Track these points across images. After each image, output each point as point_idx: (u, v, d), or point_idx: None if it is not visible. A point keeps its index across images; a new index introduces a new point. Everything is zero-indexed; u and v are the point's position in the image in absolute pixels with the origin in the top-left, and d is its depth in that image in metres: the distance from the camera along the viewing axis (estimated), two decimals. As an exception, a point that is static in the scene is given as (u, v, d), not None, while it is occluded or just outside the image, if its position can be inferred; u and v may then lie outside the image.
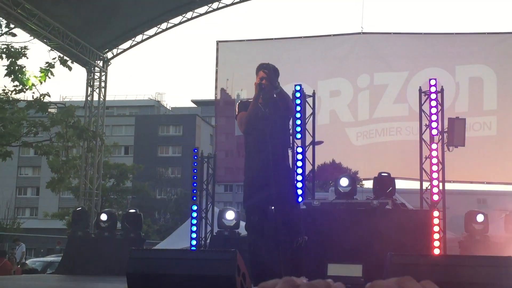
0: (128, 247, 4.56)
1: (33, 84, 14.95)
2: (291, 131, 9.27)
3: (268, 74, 5.55)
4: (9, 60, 14.66)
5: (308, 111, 12.00)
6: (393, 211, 10.52)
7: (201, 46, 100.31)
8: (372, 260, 8.39)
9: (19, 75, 14.69)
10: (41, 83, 15.18)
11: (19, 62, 14.84)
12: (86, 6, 15.31)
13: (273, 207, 5.31)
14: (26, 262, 19.78)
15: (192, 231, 13.60)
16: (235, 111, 5.67)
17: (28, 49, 15.04)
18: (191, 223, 13.70)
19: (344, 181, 11.19)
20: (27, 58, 15.08)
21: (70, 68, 15.46)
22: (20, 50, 14.99)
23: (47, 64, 15.12)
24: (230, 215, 12.65)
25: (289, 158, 5.71)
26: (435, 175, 10.61)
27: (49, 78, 15.26)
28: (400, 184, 13.64)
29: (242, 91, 16.15)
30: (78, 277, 11.16)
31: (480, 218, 10.89)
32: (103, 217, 13.27)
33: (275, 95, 5.50)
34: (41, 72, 15.00)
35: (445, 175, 10.99)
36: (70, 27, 15.65)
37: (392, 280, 2.72)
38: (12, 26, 14.70)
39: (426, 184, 11.21)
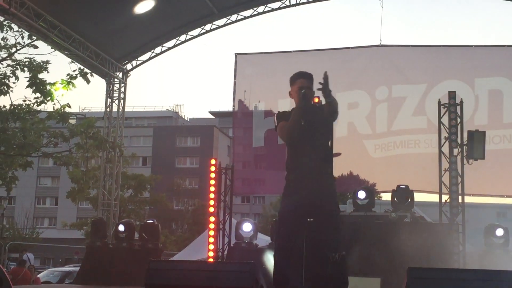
0: (146, 258, 4.56)
1: (54, 96, 15.05)
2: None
3: (310, 84, 5.42)
4: (31, 74, 14.79)
5: (326, 123, 11.95)
6: (412, 224, 10.46)
7: (219, 58, 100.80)
8: (391, 273, 8.33)
9: (41, 87, 14.80)
10: (63, 95, 15.31)
11: (40, 75, 14.98)
12: (106, 18, 15.45)
13: (311, 219, 5.22)
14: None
15: (209, 242, 13.58)
16: (274, 122, 5.55)
17: (50, 63, 15.18)
18: (209, 234, 13.68)
19: (361, 194, 11.17)
20: (48, 72, 15.22)
21: (88, 81, 15.54)
22: (42, 64, 15.14)
23: (68, 76, 15.26)
24: (247, 227, 12.63)
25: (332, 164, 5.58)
26: (454, 188, 10.55)
27: (70, 90, 15.38)
28: (419, 197, 13.56)
29: (260, 103, 16.18)
30: (96, 288, 11.18)
31: (499, 232, 10.77)
32: (121, 227, 13.31)
33: (326, 102, 5.34)
34: (62, 83, 15.12)
35: (465, 188, 10.90)
36: (91, 39, 15.79)
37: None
38: (34, 38, 14.86)
39: (445, 197, 11.12)
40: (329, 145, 5.47)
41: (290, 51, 16.49)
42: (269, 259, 10.42)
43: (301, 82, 5.43)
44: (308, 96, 5.30)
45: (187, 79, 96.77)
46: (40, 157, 17.62)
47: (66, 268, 21.83)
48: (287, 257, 5.08)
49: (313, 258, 4.88)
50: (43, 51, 16.62)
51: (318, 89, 5.25)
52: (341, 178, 17.21)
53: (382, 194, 19.93)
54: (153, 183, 40.64)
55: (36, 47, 15.02)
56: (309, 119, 5.28)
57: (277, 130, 5.47)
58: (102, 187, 17.29)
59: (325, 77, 5.22)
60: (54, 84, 14.99)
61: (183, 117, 67.06)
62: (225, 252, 13.77)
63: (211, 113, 68.74)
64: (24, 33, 14.61)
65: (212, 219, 13.74)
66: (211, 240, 13.55)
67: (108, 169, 17.38)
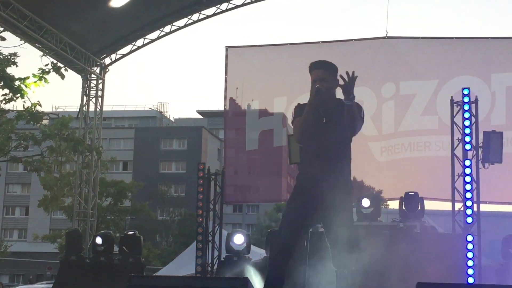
0: (127, 274, 4.54)
1: (25, 93, 15.00)
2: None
3: (327, 76, 5.30)
4: (-3, 68, 14.75)
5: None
6: (422, 235, 10.50)
7: (208, 52, 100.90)
8: (399, 289, 8.33)
9: (10, 83, 14.75)
10: (34, 92, 15.25)
11: (8, 70, 14.93)
12: (82, 8, 15.42)
13: (322, 228, 5.23)
14: None
15: (197, 256, 13.59)
16: (291, 116, 5.46)
17: (18, 56, 15.14)
18: (197, 247, 13.69)
19: (365, 202, 11.22)
20: (17, 66, 15.17)
21: (63, 77, 15.52)
22: (9, 57, 15.08)
23: (40, 71, 15.22)
24: (239, 238, 12.65)
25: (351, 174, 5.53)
26: (468, 195, 10.55)
27: (43, 86, 15.34)
28: (429, 205, 13.59)
29: (254, 102, 16.17)
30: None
31: (516, 242, 10.82)
32: (99, 240, 13.28)
33: (346, 104, 5.18)
34: (34, 77, 15.07)
35: (480, 195, 10.92)
36: (65, 30, 15.74)
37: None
38: (0, 29, 14.81)
39: (458, 205, 11.14)
40: (349, 155, 5.39)
41: (287, 44, 16.47)
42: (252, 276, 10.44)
43: (315, 73, 5.31)
44: (322, 91, 5.16)
45: (172, 75, 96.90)
46: (8, 161, 17.55)
47: (38, 286, 21.80)
48: (283, 264, 5.11)
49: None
50: (11, 43, 16.57)
51: (340, 86, 5.17)
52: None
53: (389, 202, 19.95)
54: (134, 191, 40.56)
55: (3, 38, 14.98)
56: (327, 121, 5.19)
57: (292, 125, 5.44)
58: (77, 195, 17.25)
59: (352, 78, 5.15)
60: (24, 79, 14.95)
61: (168, 117, 67.09)
62: (215, 267, 13.77)
63: (200, 112, 68.77)
64: (-11, 23, 14.58)
65: (200, 230, 13.76)
66: (199, 253, 13.56)
67: (85, 175, 17.35)
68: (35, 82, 14.99)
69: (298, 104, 5.30)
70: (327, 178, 5.07)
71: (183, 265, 17.07)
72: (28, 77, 15.04)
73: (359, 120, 5.28)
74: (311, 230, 5.34)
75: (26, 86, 14.97)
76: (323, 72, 5.28)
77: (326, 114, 5.20)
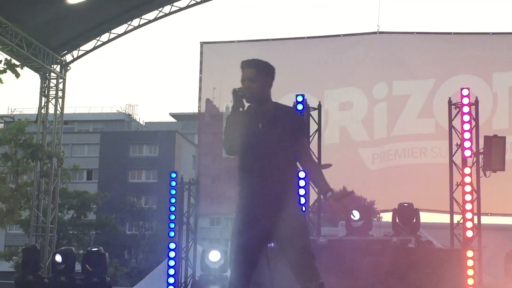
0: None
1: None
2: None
3: (256, 75, 5.17)
4: None
5: (313, 127, 12.01)
6: (418, 250, 10.52)
7: (182, 49, 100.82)
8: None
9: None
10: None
11: None
12: (41, -1, 15.37)
13: (273, 245, 5.20)
14: None
15: (169, 275, 13.54)
16: (222, 130, 5.44)
17: None
18: (168, 264, 13.65)
19: (355, 214, 11.25)
20: None
21: (18, 75, 15.41)
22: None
23: (-7, 69, 15.13)
24: (214, 255, 12.66)
25: (297, 186, 5.49)
26: (468, 206, 10.62)
27: (-4, 86, 15.26)
28: (426, 218, 13.66)
29: (232, 103, 16.19)
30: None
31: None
32: (58, 257, 13.24)
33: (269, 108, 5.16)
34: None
35: (481, 207, 10.99)
36: (20, 24, 15.66)
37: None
38: None
39: (457, 218, 11.20)
40: (293, 162, 5.20)
41: (268, 39, 16.54)
42: None
43: (244, 73, 5.22)
44: (248, 94, 5.08)
45: (142, 75, 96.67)
46: (-42, 170, 17.41)
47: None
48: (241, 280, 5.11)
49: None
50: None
51: (244, 84, 5.12)
52: (332, 195, 17.27)
53: (381, 214, 20.05)
54: (100, 202, 40.42)
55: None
56: (260, 128, 5.08)
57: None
58: (35, 207, 17.14)
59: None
60: None
61: (138, 120, 66.87)
62: (189, 287, 13.75)
63: (172, 115, 68.70)
64: None
65: (172, 246, 13.72)
66: (171, 271, 13.52)
67: (44, 185, 17.25)
68: None
69: (229, 115, 5.19)
70: (273, 204, 5.01)
71: (154, 284, 17.01)
72: None
73: (295, 114, 5.45)
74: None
75: None
76: (251, 71, 5.20)
77: (261, 119, 5.16)
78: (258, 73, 5.24)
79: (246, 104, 5.17)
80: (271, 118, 5.15)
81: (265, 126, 5.10)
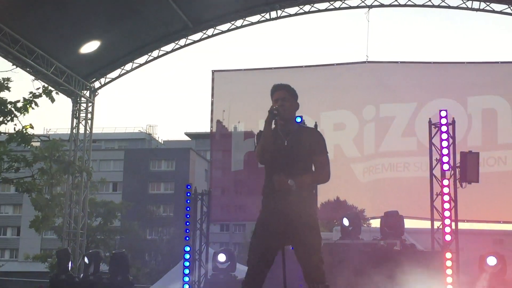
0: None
1: (15, 116, 14.93)
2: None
3: (287, 96, 5.21)
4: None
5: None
6: (402, 252, 10.49)
7: (195, 75, 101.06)
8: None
9: (2, 107, 14.68)
10: (24, 114, 15.19)
11: (1, 94, 14.87)
12: (72, 33, 15.42)
13: (292, 248, 5.17)
14: None
15: (184, 274, 13.51)
16: (254, 143, 5.42)
17: (11, 81, 15.07)
18: (184, 265, 13.62)
19: (345, 221, 11.28)
20: (10, 91, 15.11)
21: (53, 100, 15.45)
22: (2, 82, 15.03)
23: (31, 94, 15.17)
24: (221, 257, 12.71)
25: (316, 196, 5.44)
26: (447, 213, 10.59)
27: (33, 109, 15.29)
28: (409, 224, 13.60)
29: (240, 124, 16.20)
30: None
31: (491, 261, 10.77)
32: (86, 260, 13.25)
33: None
34: (24, 102, 15.02)
35: (458, 214, 10.96)
36: (55, 55, 15.73)
37: None
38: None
39: (437, 224, 11.17)
40: (309, 167, 5.22)
41: (271, 68, 16.61)
42: None
43: (277, 94, 5.22)
44: (275, 112, 5.05)
45: (161, 98, 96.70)
46: (0, 183, 17.42)
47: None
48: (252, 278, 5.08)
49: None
50: (3, 67, 16.55)
51: (277, 103, 5.13)
52: (327, 204, 17.24)
53: (371, 221, 19.99)
54: (124, 211, 40.35)
55: (-5, 63, 14.96)
56: (286, 143, 5.11)
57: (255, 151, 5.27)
58: (67, 215, 17.13)
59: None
60: (15, 103, 14.90)
61: (157, 139, 66.85)
62: (202, 285, 13.70)
63: (187, 134, 68.66)
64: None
65: (187, 248, 13.70)
66: (186, 271, 13.49)
67: (75, 196, 17.24)
68: (26, 105, 14.91)
69: (260, 131, 5.18)
70: (291, 212, 5.00)
71: (171, 282, 16.94)
72: (18, 101, 14.99)
73: (317, 136, 5.30)
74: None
75: (16, 110, 14.90)
76: (283, 92, 5.25)
77: (287, 136, 5.17)
78: (289, 95, 5.29)
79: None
80: (295, 137, 5.19)
81: (290, 143, 5.15)
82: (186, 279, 13.43)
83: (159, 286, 18.99)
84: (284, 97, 5.23)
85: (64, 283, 13.06)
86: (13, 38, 14.37)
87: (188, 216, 14.01)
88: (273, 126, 5.15)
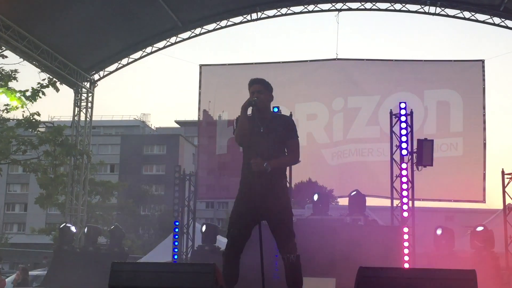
0: (111, 261, 4.50)
1: (23, 104, 14.83)
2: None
3: (263, 89, 5.28)
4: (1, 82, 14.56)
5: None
6: (366, 227, 10.58)
7: (185, 69, 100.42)
8: (345, 274, 8.35)
9: (11, 95, 14.58)
10: (32, 102, 15.10)
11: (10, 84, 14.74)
12: (74, 30, 15.27)
13: (266, 222, 5.19)
14: None
15: (174, 246, 13.53)
16: (233, 127, 5.44)
17: (18, 72, 14.93)
18: (173, 238, 13.64)
19: (315, 197, 11.42)
20: (17, 81, 14.97)
21: (57, 90, 15.36)
22: (10, 73, 14.89)
23: (38, 85, 15.06)
24: (203, 228, 12.94)
25: (287, 177, 5.48)
26: (405, 193, 10.67)
27: (40, 97, 15.20)
28: (372, 202, 13.72)
29: (224, 113, 16.17)
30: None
31: (438, 231, 10.98)
32: (86, 231, 13.22)
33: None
34: (33, 91, 14.92)
35: (414, 194, 11.04)
36: (59, 50, 15.57)
37: None
38: (3, 48, 14.60)
39: (396, 202, 11.25)
40: (282, 150, 5.23)
41: (252, 63, 16.60)
42: None
43: (254, 87, 5.29)
44: (252, 102, 5.14)
45: (153, 90, 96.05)
46: (9, 164, 17.29)
47: (35, 272, 21.43)
48: (233, 257, 5.11)
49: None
50: (11, 60, 16.36)
51: (254, 95, 5.19)
52: (301, 184, 17.33)
53: (339, 199, 20.08)
54: (120, 190, 40.17)
55: (5, 56, 14.79)
56: (262, 126, 5.16)
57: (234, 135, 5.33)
58: (70, 193, 17.03)
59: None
60: (24, 92, 14.81)
61: (150, 126, 66.51)
62: (189, 255, 13.73)
63: (177, 122, 68.37)
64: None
65: (176, 223, 13.71)
66: (176, 243, 13.51)
67: (76, 176, 17.14)
68: (34, 94, 14.84)
69: (238, 116, 5.22)
70: (266, 192, 5.03)
71: (162, 253, 16.96)
72: (27, 90, 14.90)
73: (290, 123, 5.35)
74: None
75: (26, 98, 14.81)
76: (259, 86, 5.31)
77: (263, 124, 5.19)
78: (264, 87, 5.35)
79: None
80: (270, 124, 5.23)
81: (265, 129, 5.18)
82: (175, 250, 13.46)
83: (151, 256, 18.99)
84: (259, 89, 5.29)
85: (67, 253, 13.02)
86: (21, 35, 14.20)
87: (177, 194, 14.02)
88: (249, 112, 5.19)
